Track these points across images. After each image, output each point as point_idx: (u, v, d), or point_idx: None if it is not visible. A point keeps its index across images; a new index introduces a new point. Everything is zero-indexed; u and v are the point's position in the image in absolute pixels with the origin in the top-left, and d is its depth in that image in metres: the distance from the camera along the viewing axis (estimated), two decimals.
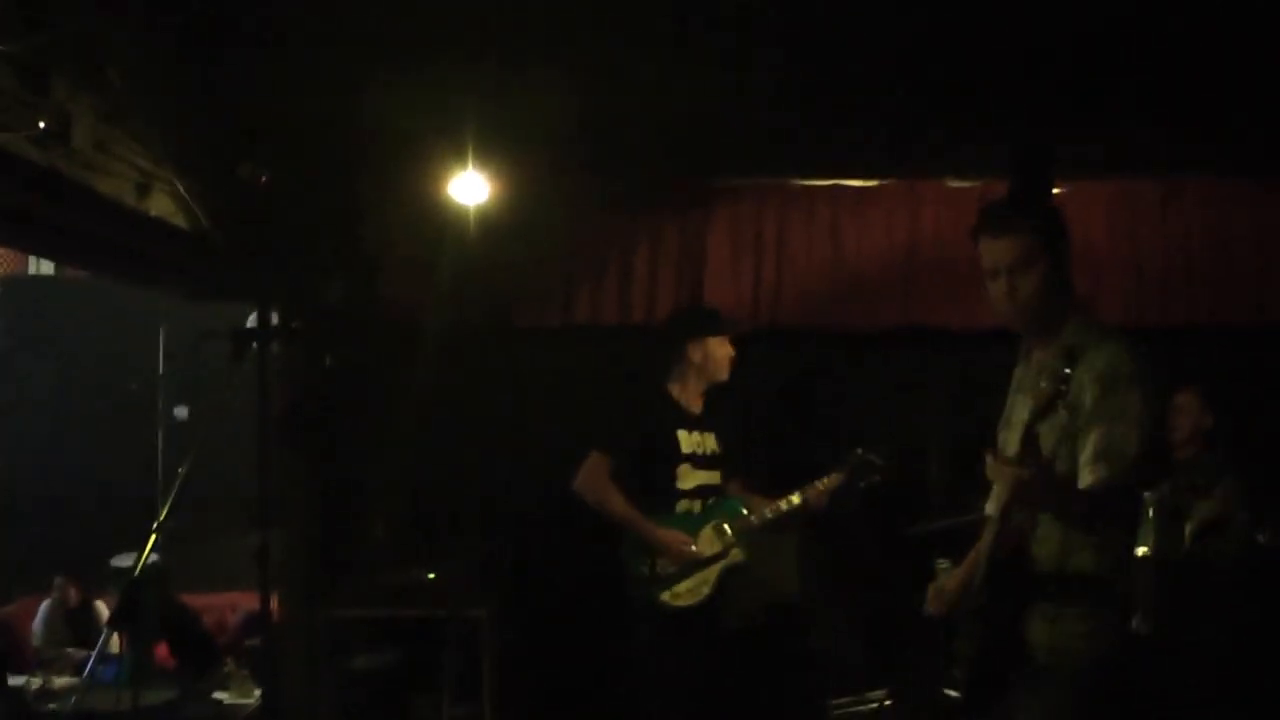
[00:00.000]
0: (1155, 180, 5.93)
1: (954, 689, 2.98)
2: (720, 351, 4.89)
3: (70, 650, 6.17)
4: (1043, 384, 2.65)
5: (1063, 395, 2.62)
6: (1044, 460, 2.68)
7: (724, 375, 4.91)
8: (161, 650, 6.44)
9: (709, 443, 4.88)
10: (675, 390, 4.90)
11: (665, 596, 4.71)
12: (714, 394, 4.95)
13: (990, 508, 3.04)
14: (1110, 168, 5.68)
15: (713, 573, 4.75)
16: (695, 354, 4.87)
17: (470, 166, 5.34)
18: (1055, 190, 5.43)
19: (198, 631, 6.21)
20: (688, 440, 4.83)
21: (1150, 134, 5.33)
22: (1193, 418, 5.52)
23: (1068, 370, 2.62)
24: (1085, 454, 2.74)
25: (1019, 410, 2.97)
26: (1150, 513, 5.23)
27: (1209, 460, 5.43)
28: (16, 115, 3.65)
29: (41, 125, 3.69)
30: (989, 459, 2.79)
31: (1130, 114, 5.10)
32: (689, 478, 4.81)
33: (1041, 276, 2.88)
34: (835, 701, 5.40)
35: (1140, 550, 5.19)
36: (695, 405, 4.91)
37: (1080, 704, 2.78)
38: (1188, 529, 5.26)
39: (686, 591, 4.72)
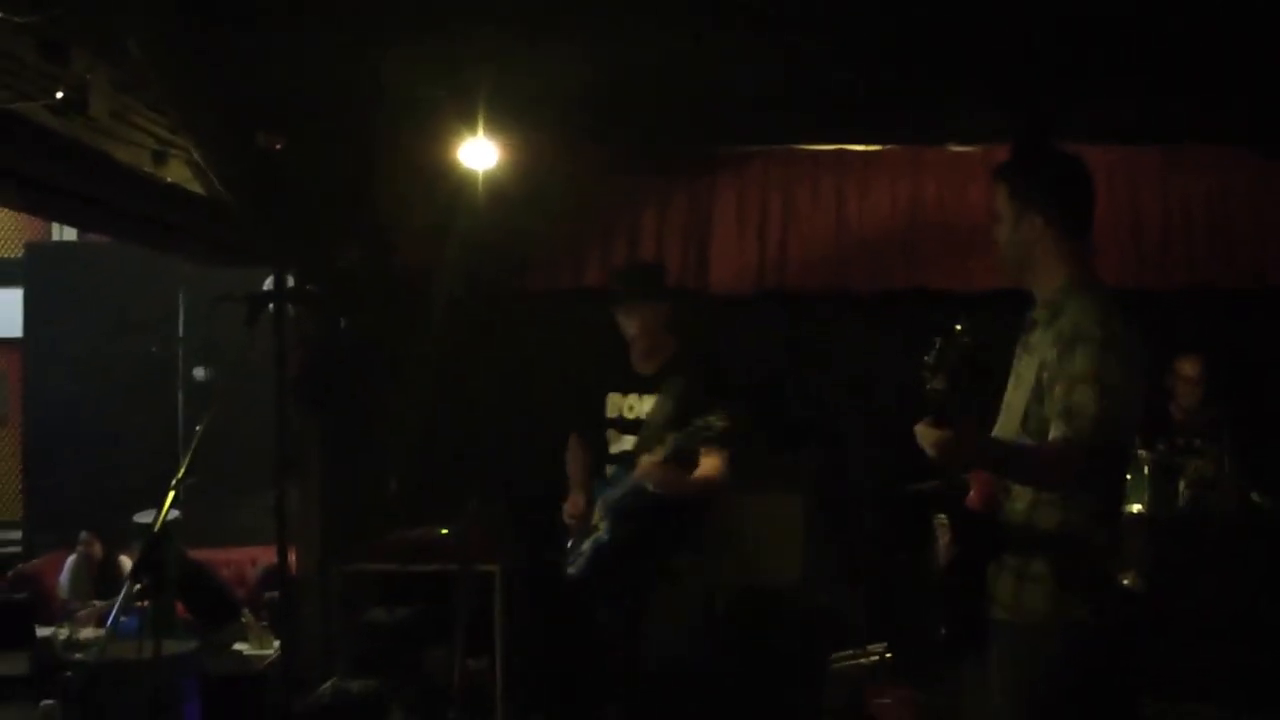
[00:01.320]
0: (1156, 147, 5.96)
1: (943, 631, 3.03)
2: (621, 321, 4.54)
3: (95, 603, 6.33)
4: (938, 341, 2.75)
5: (947, 360, 2.69)
6: (958, 420, 2.67)
7: (636, 348, 4.55)
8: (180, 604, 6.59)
9: (646, 406, 4.45)
10: (632, 352, 4.58)
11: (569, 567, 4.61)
12: (683, 356, 4.51)
13: None
14: (1111, 134, 5.71)
15: (588, 545, 4.52)
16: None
17: (481, 133, 5.42)
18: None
19: (212, 586, 6.34)
20: (616, 404, 4.55)
21: (1152, 101, 5.37)
22: (1194, 382, 5.62)
23: (958, 327, 2.72)
24: (1051, 411, 2.72)
25: (1020, 366, 3.00)
26: (1145, 470, 5.33)
27: (1205, 420, 5.53)
28: (36, 86, 3.73)
29: (60, 95, 3.76)
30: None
31: (1132, 81, 5.13)
32: (617, 442, 4.53)
33: (1009, 228, 2.95)
34: (835, 655, 5.50)
35: (1135, 508, 5.30)
36: (645, 366, 4.53)
37: (1041, 664, 2.74)
38: (1181, 487, 5.36)
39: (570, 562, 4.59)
